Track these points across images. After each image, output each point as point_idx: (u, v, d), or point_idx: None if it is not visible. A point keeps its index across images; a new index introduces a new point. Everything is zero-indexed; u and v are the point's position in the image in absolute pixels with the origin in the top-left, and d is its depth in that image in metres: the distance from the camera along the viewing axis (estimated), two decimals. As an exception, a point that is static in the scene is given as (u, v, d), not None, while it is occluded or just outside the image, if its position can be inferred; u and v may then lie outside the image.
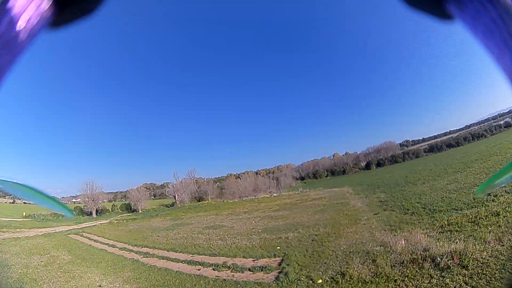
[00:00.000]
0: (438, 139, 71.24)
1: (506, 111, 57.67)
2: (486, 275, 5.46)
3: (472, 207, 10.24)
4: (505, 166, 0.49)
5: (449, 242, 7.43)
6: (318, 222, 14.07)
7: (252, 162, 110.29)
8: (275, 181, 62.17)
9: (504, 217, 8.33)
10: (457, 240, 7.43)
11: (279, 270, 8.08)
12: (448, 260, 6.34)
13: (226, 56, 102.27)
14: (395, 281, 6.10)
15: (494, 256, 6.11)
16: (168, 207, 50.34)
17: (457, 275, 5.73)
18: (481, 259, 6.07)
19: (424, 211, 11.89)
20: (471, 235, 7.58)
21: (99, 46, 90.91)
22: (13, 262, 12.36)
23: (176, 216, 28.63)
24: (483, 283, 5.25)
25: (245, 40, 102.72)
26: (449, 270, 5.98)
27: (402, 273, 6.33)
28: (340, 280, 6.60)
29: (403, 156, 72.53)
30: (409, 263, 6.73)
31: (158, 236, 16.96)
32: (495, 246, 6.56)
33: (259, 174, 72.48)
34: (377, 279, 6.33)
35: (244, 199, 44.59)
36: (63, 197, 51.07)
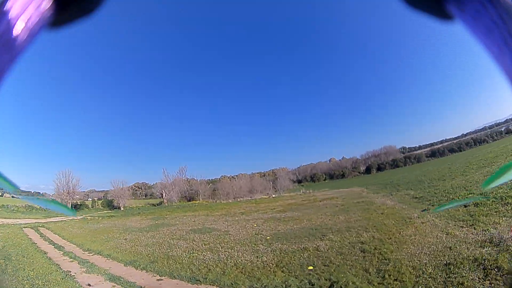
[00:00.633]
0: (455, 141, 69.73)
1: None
2: None
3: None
4: None
5: None
6: (350, 225, 10.05)
7: (246, 163, 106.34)
8: (271, 183, 58.98)
9: None
10: None
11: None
12: None
13: (225, 57, 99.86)
14: None
15: None
16: (155, 206, 45.85)
17: None
18: None
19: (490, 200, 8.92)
20: None
21: (99, 46, 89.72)
22: None
23: (159, 216, 24.29)
24: None
25: (244, 41, 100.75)
26: None
27: None
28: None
29: (404, 160, 70.74)
30: None
31: (124, 239, 12.47)
32: None
33: (254, 176, 68.66)
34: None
35: (239, 199, 40.21)
36: (46, 193, 47.96)
